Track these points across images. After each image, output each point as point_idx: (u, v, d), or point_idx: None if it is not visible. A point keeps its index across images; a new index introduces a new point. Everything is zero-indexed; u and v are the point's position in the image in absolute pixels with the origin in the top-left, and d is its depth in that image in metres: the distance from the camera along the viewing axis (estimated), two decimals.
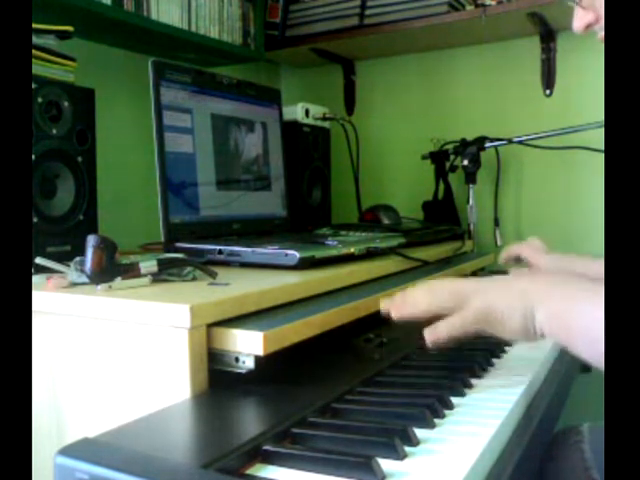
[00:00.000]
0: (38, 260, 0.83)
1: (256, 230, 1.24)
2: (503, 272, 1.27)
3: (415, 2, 1.52)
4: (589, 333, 0.57)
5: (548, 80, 1.60)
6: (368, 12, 1.59)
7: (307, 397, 0.62)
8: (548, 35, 1.57)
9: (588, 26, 0.76)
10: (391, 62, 1.82)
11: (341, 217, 1.63)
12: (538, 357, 0.82)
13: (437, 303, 0.69)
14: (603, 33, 0.74)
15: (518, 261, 1.08)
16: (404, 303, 0.72)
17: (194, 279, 0.83)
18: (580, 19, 0.77)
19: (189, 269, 0.83)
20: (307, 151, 1.49)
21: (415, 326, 0.72)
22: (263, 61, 1.69)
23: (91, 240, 0.78)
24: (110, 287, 0.75)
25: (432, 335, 0.68)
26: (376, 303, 0.89)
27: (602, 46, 0.70)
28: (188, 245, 1.01)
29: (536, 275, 0.70)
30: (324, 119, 1.54)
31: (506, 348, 0.88)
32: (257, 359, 0.64)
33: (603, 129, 1.23)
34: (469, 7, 1.51)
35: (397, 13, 1.55)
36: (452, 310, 0.67)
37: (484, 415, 0.61)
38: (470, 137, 1.54)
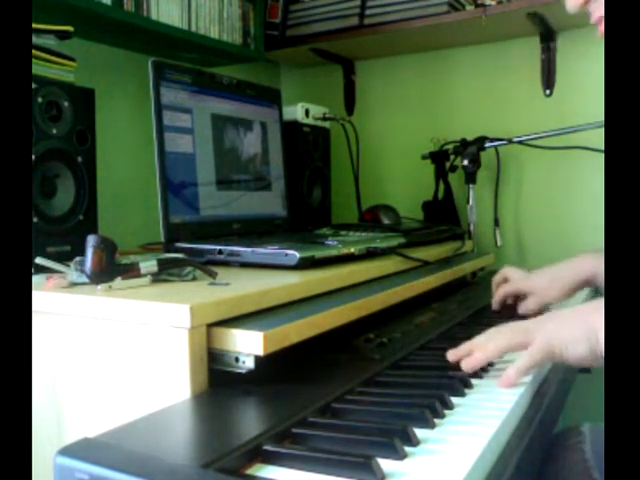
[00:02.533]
0: (38, 260, 0.83)
1: (256, 230, 1.24)
2: None
3: (415, 2, 1.52)
4: None
5: (548, 80, 1.60)
6: (368, 12, 1.59)
7: (307, 397, 0.62)
8: (548, 35, 1.57)
9: (586, 2, 0.72)
10: (391, 62, 1.82)
11: (341, 217, 1.63)
12: None
13: (506, 343, 0.71)
14: (599, 13, 0.72)
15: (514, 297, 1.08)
16: (472, 354, 0.72)
17: (194, 279, 0.83)
18: None
19: (189, 269, 0.83)
20: (307, 151, 1.49)
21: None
22: (263, 61, 1.69)
23: (91, 240, 0.78)
24: (110, 287, 0.75)
25: (506, 382, 0.68)
26: (376, 303, 0.89)
27: (602, 47, 0.70)
28: (188, 245, 1.01)
29: (595, 301, 0.71)
30: (324, 119, 1.54)
31: None
32: (257, 359, 0.64)
33: (603, 129, 1.23)
34: (469, 7, 1.51)
35: (397, 13, 1.55)
36: (520, 347, 0.70)
37: (484, 415, 0.61)
38: (470, 137, 1.54)
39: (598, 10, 0.72)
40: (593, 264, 0.98)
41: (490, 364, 0.79)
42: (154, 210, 1.05)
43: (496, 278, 1.09)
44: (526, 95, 1.63)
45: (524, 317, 0.97)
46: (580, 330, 0.67)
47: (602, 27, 0.72)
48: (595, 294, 1.19)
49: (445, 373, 0.72)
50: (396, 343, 0.84)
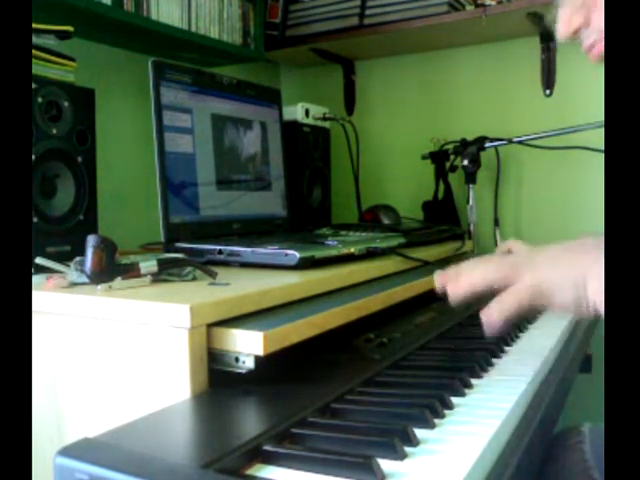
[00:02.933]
0: (38, 260, 0.83)
1: (256, 230, 1.24)
2: None
3: (415, 2, 1.52)
4: None
5: (548, 80, 1.60)
6: (368, 12, 1.59)
7: (307, 397, 0.62)
8: (548, 35, 1.57)
9: (576, 31, 0.70)
10: (391, 62, 1.82)
11: (341, 217, 1.63)
12: (538, 357, 0.82)
13: (493, 277, 0.67)
14: (590, 40, 0.70)
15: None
16: (459, 278, 0.69)
17: (194, 279, 0.83)
18: (568, 22, 0.70)
19: (189, 269, 0.83)
20: (307, 151, 1.49)
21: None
22: (263, 61, 1.69)
23: (91, 240, 0.78)
24: (110, 287, 0.75)
25: (488, 317, 0.65)
26: (376, 303, 0.89)
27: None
28: (188, 245, 1.01)
29: (588, 242, 0.66)
30: (324, 119, 1.54)
31: (506, 348, 0.88)
32: (257, 359, 0.64)
33: (603, 129, 1.23)
34: (469, 7, 1.51)
35: (397, 13, 1.55)
36: (506, 283, 0.65)
37: (484, 415, 0.61)
38: (470, 137, 1.54)
39: (588, 38, 0.70)
40: (598, 242, 0.97)
41: (490, 364, 0.79)
42: (154, 210, 1.05)
43: (500, 247, 1.09)
44: (526, 95, 1.63)
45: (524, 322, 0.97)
46: (569, 274, 0.62)
47: (593, 54, 0.71)
48: None
49: (445, 373, 0.72)
50: (396, 343, 0.84)
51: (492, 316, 0.65)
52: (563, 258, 0.65)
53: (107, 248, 0.78)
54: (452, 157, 1.58)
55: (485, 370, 0.76)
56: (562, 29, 0.71)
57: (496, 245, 1.57)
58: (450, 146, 1.57)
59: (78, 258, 0.80)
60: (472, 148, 1.51)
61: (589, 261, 0.61)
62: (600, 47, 0.70)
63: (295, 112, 1.47)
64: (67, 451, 0.46)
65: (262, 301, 0.74)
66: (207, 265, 0.87)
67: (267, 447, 0.51)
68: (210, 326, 0.65)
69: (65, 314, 0.73)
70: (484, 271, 0.68)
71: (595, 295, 0.59)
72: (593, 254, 0.62)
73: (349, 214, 1.66)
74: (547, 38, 1.58)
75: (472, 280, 0.68)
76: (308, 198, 1.49)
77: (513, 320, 0.66)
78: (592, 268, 0.60)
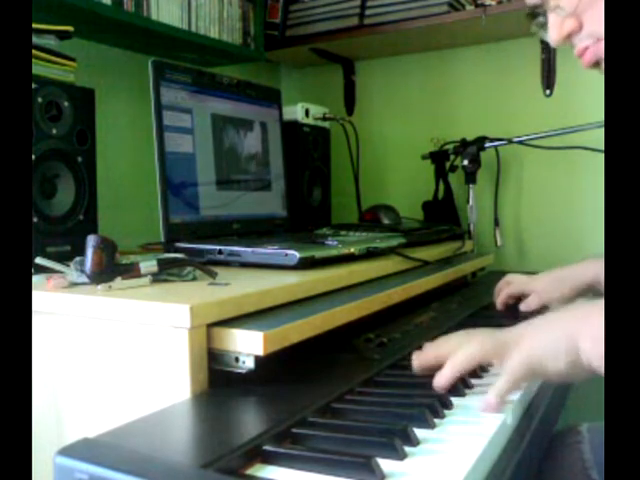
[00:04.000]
0: (38, 260, 0.83)
1: (256, 230, 1.24)
2: (503, 273, 1.27)
3: (415, 2, 1.52)
4: None
5: (548, 80, 1.60)
6: (368, 12, 1.59)
7: (307, 397, 0.62)
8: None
9: (569, 35, 0.70)
10: (391, 62, 1.82)
11: (341, 217, 1.63)
12: None
13: (478, 358, 0.65)
14: (583, 45, 0.70)
15: (515, 299, 1.06)
16: (440, 361, 0.67)
17: (194, 279, 0.83)
18: (560, 27, 0.70)
19: (189, 269, 0.83)
20: (307, 151, 1.49)
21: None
22: (263, 61, 1.69)
23: (91, 240, 0.78)
24: (110, 287, 0.75)
25: (486, 407, 0.62)
26: (376, 303, 0.89)
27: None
28: (188, 245, 1.01)
29: (573, 308, 0.67)
30: (324, 119, 1.54)
31: None
32: (257, 359, 0.64)
33: (603, 129, 1.23)
34: (469, 7, 1.51)
35: (397, 13, 1.55)
36: (495, 358, 0.65)
37: (484, 415, 0.61)
38: (470, 137, 1.54)
39: (581, 42, 0.70)
40: (597, 269, 0.97)
41: (491, 364, 0.79)
42: (154, 210, 1.05)
43: (499, 284, 1.09)
44: (526, 95, 1.63)
45: (525, 317, 0.97)
46: (559, 343, 0.60)
47: (586, 59, 0.70)
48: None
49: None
50: (396, 343, 0.84)
51: (491, 402, 0.62)
52: (548, 327, 0.64)
53: (107, 248, 0.78)
54: (452, 157, 1.58)
55: (485, 370, 0.76)
56: (554, 35, 0.70)
57: (496, 245, 1.57)
58: (450, 146, 1.57)
59: (78, 258, 0.80)
60: (472, 148, 1.51)
61: (577, 323, 0.61)
62: (592, 51, 0.69)
63: (295, 112, 1.47)
64: (67, 451, 0.46)
65: (262, 301, 0.74)
66: (207, 265, 0.87)
67: (267, 447, 0.51)
68: (210, 326, 0.65)
69: (65, 314, 0.73)
70: (468, 352, 0.65)
71: (591, 355, 0.58)
72: (578, 316, 0.62)
73: (349, 214, 1.66)
74: None
75: (456, 367, 0.65)
76: (308, 198, 1.49)
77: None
78: (582, 329, 0.59)
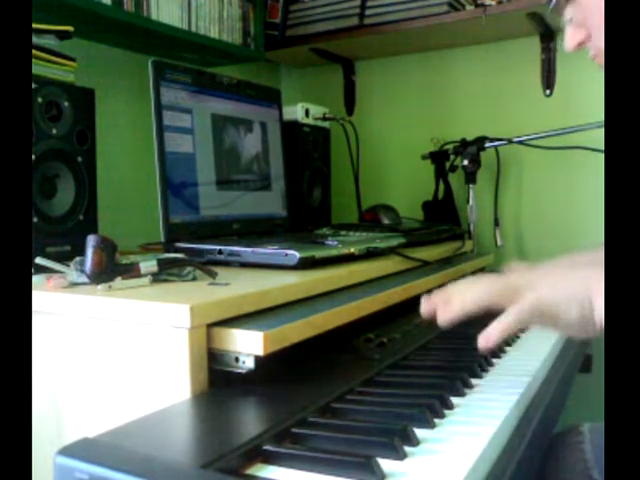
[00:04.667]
0: (38, 260, 0.83)
1: (256, 230, 1.24)
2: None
3: (415, 2, 1.52)
4: None
5: (548, 80, 1.60)
6: (368, 12, 1.59)
7: (307, 397, 0.62)
8: (548, 35, 1.57)
9: (580, 44, 0.76)
10: (391, 62, 1.82)
11: (341, 217, 1.63)
12: (538, 357, 0.82)
13: (487, 299, 0.63)
14: (594, 52, 0.76)
15: None
16: (448, 303, 0.66)
17: (194, 279, 0.83)
18: (572, 38, 0.77)
19: (189, 269, 0.83)
20: (307, 151, 1.49)
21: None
22: (263, 61, 1.69)
23: (91, 240, 0.78)
24: (110, 287, 0.75)
25: (487, 340, 0.62)
26: (376, 303, 0.89)
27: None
28: (188, 245, 1.01)
29: (585, 266, 0.65)
30: (324, 119, 1.54)
31: (506, 348, 0.88)
32: (257, 359, 0.64)
33: (603, 129, 1.23)
34: (469, 7, 1.50)
35: (397, 13, 1.55)
36: (502, 305, 0.62)
37: (484, 415, 0.61)
38: (470, 137, 1.54)
39: (592, 49, 0.76)
40: (598, 256, 0.97)
41: (490, 364, 0.79)
42: (154, 210, 1.05)
43: (503, 270, 1.09)
44: (526, 95, 1.63)
45: None
46: (573, 292, 0.60)
47: (600, 60, 0.75)
48: None
49: (445, 373, 0.72)
50: (396, 343, 0.84)
51: (491, 336, 0.62)
52: (565, 277, 0.63)
53: (107, 248, 0.78)
54: (452, 157, 1.58)
55: (485, 370, 0.76)
56: (567, 44, 0.77)
57: (496, 245, 1.57)
58: (450, 146, 1.57)
59: (78, 258, 0.80)
60: (472, 148, 1.51)
61: (593, 278, 0.60)
62: (601, 59, 0.74)
63: (295, 112, 1.47)
64: (67, 451, 0.46)
65: (262, 301, 0.74)
66: (207, 265, 0.87)
67: (267, 447, 0.51)
68: (210, 326, 0.65)
69: (65, 314, 0.73)
70: (477, 292, 0.64)
71: (602, 312, 0.58)
72: (596, 271, 0.60)
73: (349, 214, 1.66)
74: (547, 38, 1.58)
75: (464, 303, 0.64)
76: (308, 198, 1.49)
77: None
78: (598, 288, 0.59)
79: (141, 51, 1.42)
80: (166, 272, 0.82)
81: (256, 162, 1.29)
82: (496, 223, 1.59)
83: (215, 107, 1.19)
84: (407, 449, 0.52)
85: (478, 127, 1.61)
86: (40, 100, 0.94)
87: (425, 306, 0.68)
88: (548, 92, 1.61)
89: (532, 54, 1.62)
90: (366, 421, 0.59)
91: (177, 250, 0.99)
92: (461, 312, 0.64)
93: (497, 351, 0.84)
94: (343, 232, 1.29)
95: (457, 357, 0.80)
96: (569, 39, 0.77)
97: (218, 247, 0.97)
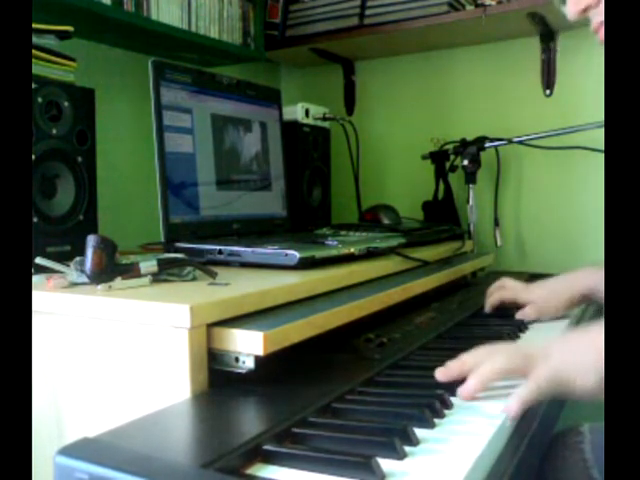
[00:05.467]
0: (38, 260, 0.83)
1: (256, 230, 1.24)
2: (503, 273, 1.27)
3: (415, 2, 1.52)
4: None
5: (548, 80, 1.60)
6: (368, 12, 1.59)
7: (307, 397, 0.62)
8: (548, 35, 1.57)
9: (586, 9, 0.71)
10: (391, 62, 1.82)
11: (341, 217, 1.63)
12: None
13: (505, 366, 0.64)
14: (599, 20, 0.71)
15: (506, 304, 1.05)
16: (465, 374, 0.65)
17: (194, 279, 0.83)
18: (578, 1, 0.71)
19: (189, 269, 0.83)
20: (307, 151, 1.49)
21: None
22: (263, 61, 1.69)
23: (91, 240, 0.78)
24: (110, 287, 0.75)
25: (509, 411, 0.61)
26: (376, 303, 0.89)
27: (602, 47, 0.70)
28: (188, 245, 1.01)
29: (597, 326, 0.63)
30: (324, 119, 1.54)
31: None
32: (257, 359, 0.64)
33: (603, 129, 1.23)
34: (469, 7, 1.50)
35: (397, 13, 1.55)
36: (520, 373, 0.63)
37: (484, 415, 0.61)
38: (470, 137, 1.54)
39: (597, 17, 0.71)
40: (593, 278, 0.96)
41: None
42: (154, 210, 1.05)
43: (492, 287, 1.08)
44: (526, 95, 1.63)
45: (522, 322, 0.97)
46: (589, 359, 0.60)
47: (602, 33, 0.71)
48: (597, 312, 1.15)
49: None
50: (396, 343, 0.84)
51: (513, 409, 0.61)
52: (577, 343, 0.64)
53: (107, 248, 0.78)
54: (452, 157, 1.58)
55: None
56: (572, 8, 0.72)
57: (496, 245, 1.57)
58: (450, 146, 1.57)
59: (78, 258, 0.80)
60: (472, 148, 1.51)
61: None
62: (603, 32, 0.70)
63: (295, 112, 1.47)
64: (67, 451, 0.46)
65: (262, 301, 0.74)
66: (207, 265, 0.87)
67: (267, 447, 0.51)
68: (210, 326, 0.65)
69: (65, 314, 0.73)
70: (495, 366, 0.64)
71: None
72: None
73: (349, 214, 1.66)
74: (547, 38, 1.58)
75: (483, 379, 0.64)
76: (308, 198, 1.49)
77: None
78: None
79: (141, 51, 1.42)
80: (166, 272, 0.82)
81: (256, 162, 1.29)
82: (496, 223, 1.59)
83: (215, 107, 1.19)
84: (407, 449, 0.52)
85: (478, 127, 1.61)
86: (40, 100, 0.94)
87: (442, 377, 0.67)
88: (548, 92, 1.61)
89: (532, 54, 1.62)
90: (366, 421, 0.59)
91: (177, 250, 0.99)
92: (481, 388, 0.64)
93: None
94: (343, 232, 1.29)
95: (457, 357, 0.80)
96: (574, 4, 0.72)
97: (218, 247, 0.97)
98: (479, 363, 0.65)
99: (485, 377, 0.64)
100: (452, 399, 0.64)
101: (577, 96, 1.56)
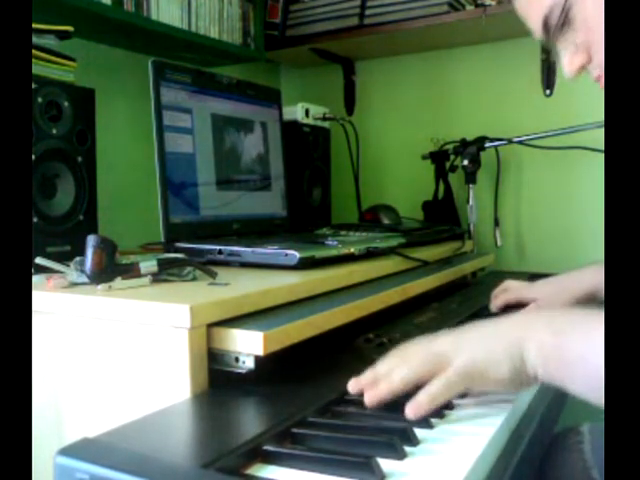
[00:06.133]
0: (38, 260, 0.83)
1: (256, 230, 1.24)
2: (503, 273, 1.27)
3: (415, 2, 1.52)
4: (586, 365, 0.53)
5: (548, 80, 1.60)
6: (368, 12, 1.59)
7: (307, 397, 0.62)
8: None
9: (581, 67, 0.73)
10: (391, 62, 1.82)
11: (341, 217, 1.63)
12: None
13: (414, 373, 0.61)
14: (596, 74, 0.72)
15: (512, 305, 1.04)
16: (376, 382, 0.62)
17: (194, 279, 0.83)
18: (571, 63, 0.73)
19: (189, 269, 0.83)
20: (307, 151, 1.49)
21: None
22: (263, 61, 1.69)
23: (91, 240, 0.78)
24: (110, 287, 0.75)
25: (415, 410, 0.58)
26: (376, 303, 0.89)
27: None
28: (188, 245, 1.01)
29: (517, 315, 0.63)
30: (324, 119, 1.54)
31: None
32: (257, 359, 0.64)
33: (603, 129, 1.23)
34: (469, 7, 1.50)
35: (397, 13, 1.55)
36: (432, 375, 0.60)
37: (484, 415, 0.61)
38: (470, 137, 1.54)
39: (594, 71, 0.73)
40: (596, 276, 0.96)
41: None
42: (154, 210, 1.05)
43: (496, 290, 1.08)
44: (526, 95, 1.63)
45: None
46: (502, 349, 0.58)
47: (601, 85, 0.72)
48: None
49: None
50: (396, 343, 0.84)
51: (421, 409, 0.58)
52: (489, 333, 0.61)
53: (107, 248, 0.78)
54: (452, 157, 1.58)
55: None
56: (567, 70, 0.74)
57: (496, 245, 1.57)
58: (450, 146, 1.57)
59: (78, 258, 0.80)
60: (472, 148, 1.51)
61: (521, 330, 0.59)
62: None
63: (295, 112, 1.47)
64: (67, 451, 0.46)
65: (262, 301, 0.74)
66: (207, 265, 0.87)
67: (267, 447, 0.51)
68: (210, 326, 0.65)
69: (65, 314, 0.73)
70: (405, 372, 0.61)
71: (536, 362, 0.57)
72: (521, 323, 0.60)
73: (349, 214, 1.66)
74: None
75: (391, 385, 0.61)
76: (308, 198, 1.49)
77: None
78: (526, 336, 0.57)
79: (141, 51, 1.42)
80: (166, 272, 0.82)
81: (256, 162, 1.29)
82: (496, 223, 1.59)
83: (215, 107, 1.19)
84: (407, 449, 0.52)
85: (478, 127, 1.61)
86: (40, 100, 0.94)
87: (353, 387, 0.64)
88: (548, 92, 1.61)
89: (532, 54, 1.61)
90: (366, 421, 0.59)
91: (177, 250, 0.99)
92: (389, 394, 0.61)
93: None
94: (343, 232, 1.29)
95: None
96: (569, 65, 0.74)
97: (218, 247, 0.97)
98: (389, 372, 0.62)
99: (394, 385, 0.61)
100: (452, 399, 0.64)
101: (577, 96, 1.56)
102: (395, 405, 0.60)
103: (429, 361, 0.61)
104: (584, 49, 0.71)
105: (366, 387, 0.62)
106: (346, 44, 1.69)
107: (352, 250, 1.02)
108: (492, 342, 0.60)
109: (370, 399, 0.61)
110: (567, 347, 0.56)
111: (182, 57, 1.47)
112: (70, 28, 1.02)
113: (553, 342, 0.56)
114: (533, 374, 0.57)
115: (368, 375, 0.64)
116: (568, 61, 0.73)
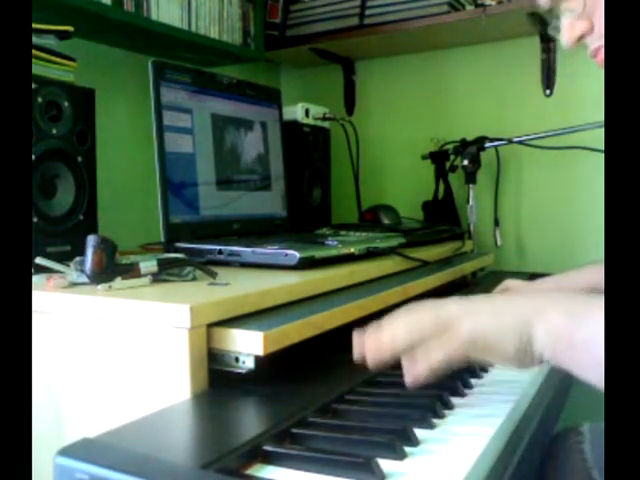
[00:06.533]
0: (38, 260, 0.83)
1: (256, 230, 1.24)
2: (503, 273, 1.27)
3: (415, 2, 1.52)
4: (596, 350, 0.50)
5: (548, 80, 1.60)
6: (368, 12, 1.59)
7: (307, 397, 0.62)
8: (548, 35, 1.57)
9: (581, 37, 0.71)
10: (391, 62, 1.82)
11: (341, 217, 1.63)
12: None
13: (417, 335, 0.59)
14: (596, 45, 0.70)
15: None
16: (379, 343, 0.60)
17: (194, 279, 0.83)
18: (571, 31, 0.70)
19: (189, 269, 0.83)
20: (307, 151, 1.49)
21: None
22: (263, 61, 1.69)
23: (91, 240, 0.78)
24: (110, 287, 0.75)
25: (413, 377, 0.59)
26: (376, 303, 0.89)
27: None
28: (188, 245, 1.01)
29: (529, 293, 0.62)
30: (324, 119, 1.54)
31: None
32: (257, 359, 0.64)
33: (603, 129, 1.23)
34: (469, 7, 1.50)
35: (397, 13, 1.55)
36: (435, 339, 0.58)
37: (484, 415, 0.61)
38: (470, 137, 1.54)
39: (594, 43, 0.71)
40: (595, 275, 0.96)
41: (491, 364, 0.79)
42: (154, 210, 1.05)
43: (496, 290, 1.08)
44: (526, 95, 1.63)
45: None
46: (511, 325, 0.56)
47: (600, 58, 0.71)
48: None
49: (445, 373, 0.72)
50: None
51: (419, 375, 0.58)
52: (499, 308, 0.59)
53: (107, 248, 0.78)
54: (452, 157, 1.58)
55: (485, 370, 0.76)
56: (566, 37, 0.71)
57: (496, 245, 1.57)
58: (450, 146, 1.57)
59: (78, 258, 0.80)
60: (472, 148, 1.51)
61: (533, 312, 0.56)
62: (602, 56, 0.70)
63: (295, 112, 1.47)
64: (67, 451, 0.46)
65: (262, 301, 0.74)
66: (207, 265, 0.87)
67: (267, 447, 0.51)
68: (210, 326, 0.65)
69: (65, 314, 0.73)
70: (407, 329, 0.59)
71: (545, 346, 0.55)
72: (535, 305, 0.57)
73: (349, 214, 1.66)
74: (547, 38, 1.58)
75: (394, 343, 0.59)
76: (308, 198, 1.49)
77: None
78: (538, 319, 0.55)
79: (141, 51, 1.42)
80: (166, 272, 0.82)
81: (256, 162, 1.29)
82: (496, 223, 1.59)
83: (215, 107, 1.19)
84: (407, 449, 0.52)
85: (478, 127, 1.61)
86: (40, 100, 0.94)
87: (356, 346, 0.62)
88: (548, 92, 1.61)
89: (532, 54, 1.61)
90: (366, 421, 0.59)
91: (177, 250, 0.99)
92: (391, 352, 0.60)
93: None
94: (343, 232, 1.29)
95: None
96: (568, 32, 0.71)
97: (218, 247, 0.97)
98: (393, 329, 0.60)
99: (396, 343, 0.59)
100: (452, 399, 0.64)
101: (577, 96, 1.56)
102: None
103: (434, 325, 0.59)
104: (587, 17, 0.69)
105: (369, 345, 0.61)
106: (346, 44, 1.69)
107: (352, 250, 1.02)
108: (501, 315, 0.57)
109: (372, 359, 0.60)
110: (578, 330, 0.53)
111: (182, 57, 1.47)
112: (70, 28, 1.02)
113: (565, 324, 0.54)
114: (539, 354, 0.56)
115: (371, 335, 0.62)
116: (569, 26, 0.71)
